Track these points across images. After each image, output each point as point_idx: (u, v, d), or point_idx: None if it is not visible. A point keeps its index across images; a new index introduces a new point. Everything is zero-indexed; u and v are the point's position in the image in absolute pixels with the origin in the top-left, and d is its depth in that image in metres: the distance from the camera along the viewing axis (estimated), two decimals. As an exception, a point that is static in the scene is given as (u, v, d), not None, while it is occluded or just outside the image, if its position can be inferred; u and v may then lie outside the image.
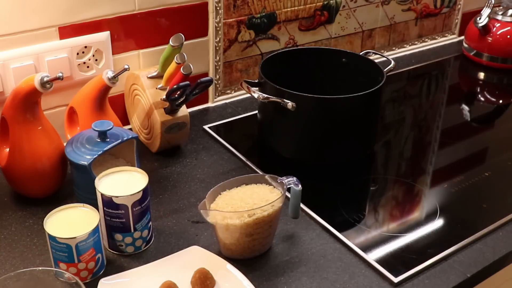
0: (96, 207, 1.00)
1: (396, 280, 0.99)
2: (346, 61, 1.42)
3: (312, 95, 1.21)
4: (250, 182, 1.07)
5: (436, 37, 1.98)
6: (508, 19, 1.80)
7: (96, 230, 0.95)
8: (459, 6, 1.96)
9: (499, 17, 1.81)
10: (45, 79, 1.04)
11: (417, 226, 1.14)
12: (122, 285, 0.95)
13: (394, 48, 1.88)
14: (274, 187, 1.06)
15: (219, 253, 1.03)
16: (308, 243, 1.07)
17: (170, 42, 1.25)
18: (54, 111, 1.29)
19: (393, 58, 1.50)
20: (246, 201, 1.01)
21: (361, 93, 1.23)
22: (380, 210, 1.20)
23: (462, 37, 1.97)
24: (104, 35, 1.29)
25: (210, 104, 1.54)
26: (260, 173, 1.25)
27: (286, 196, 1.11)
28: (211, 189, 1.03)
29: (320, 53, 1.45)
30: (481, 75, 1.84)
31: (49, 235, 0.93)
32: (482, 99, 1.77)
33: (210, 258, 1.00)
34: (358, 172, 1.32)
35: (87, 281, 0.97)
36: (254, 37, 1.53)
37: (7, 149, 1.13)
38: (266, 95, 1.24)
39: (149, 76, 1.30)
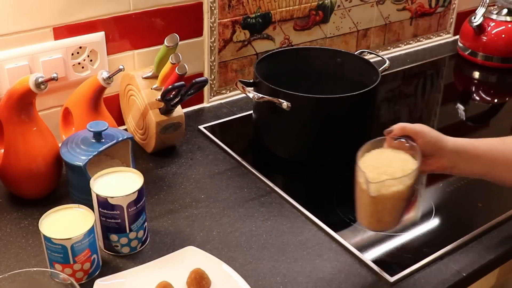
0: (92, 207, 0.99)
1: (391, 279, 0.99)
2: (341, 60, 1.42)
3: (307, 95, 1.21)
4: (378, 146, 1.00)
5: (431, 36, 1.98)
6: (502, 18, 1.80)
7: (91, 230, 0.95)
8: (453, 5, 1.97)
9: (494, 17, 1.81)
10: (40, 79, 1.04)
11: (413, 225, 1.14)
12: (117, 285, 0.95)
13: (389, 47, 1.88)
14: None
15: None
16: (303, 243, 1.07)
17: (165, 42, 1.24)
18: (49, 112, 1.28)
19: (388, 58, 1.50)
20: (390, 165, 0.95)
21: (356, 92, 1.23)
22: (375, 209, 1.20)
23: (457, 37, 1.97)
24: (99, 36, 1.29)
25: (205, 104, 1.54)
26: (257, 173, 1.25)
27: None
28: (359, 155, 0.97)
29: (315, 53, 1.45)
30: (476, 74, 1.84)
31: (44, 236, 0.93)
32: (477, 98, 1.77)
33: (205, 258, 1.00)
34: (354, 172, 1.32)
35: (83, 282, 0.97)
36: (249, 37, 1.53)
37: (2, 150, 1.12)
38: (261, 95, 1.24)
39: (144, 76, 1.30)
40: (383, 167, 0.95)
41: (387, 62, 1.38)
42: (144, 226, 1.04)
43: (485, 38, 1.81)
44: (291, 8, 1.58)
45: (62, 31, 1.24)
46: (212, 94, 1.54)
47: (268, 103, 1.24)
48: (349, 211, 1.17)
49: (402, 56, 1.89)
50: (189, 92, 1.21)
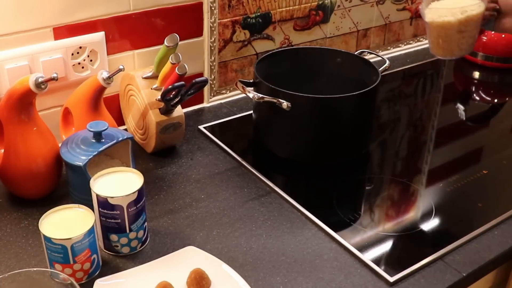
0: (92, 207, 0.99)
1: (391, 279, 0.99)
2: (341, 60, 1.42)
3: (307, 95, 1.21)
4: None
5: (431, 36, 1.98)
6: (502, 18, 1.81)
7: (91, 230, 0.95)
8: (453, 5, 1.97)
9: (494, 16, 1.81)
10: (40, 79, 1.04)
11: (413, 225, 1.14)
12: (117, 285, 0.95)
13: (389, 47, 1.88)
14: None
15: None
16: (303, 243, 1.07)
17: (165, 42, 1.24)
18: (49, 112, 1.29)
19: (388, 58, 1.50)
20: (457, 4, 1.12)
21: (356, 92, 1.23)
22: (375, 209, 1.20)
23: (457, 37, 1.97)
24: (99, 36, 1.29)
25: (205, 104, 1.54)
26: (257, 173, 1.25)
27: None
28: None
29: (315, 53, 1.45)
30: (476, 74, 1.84)
31: (44, 236, 0.93)
32: (477, 98, 1.77)
33: (205, 258, 1.00)
34: (354, 172, 1.32)
35: (83, 282, 0.97)
36: (249, 37, 1.53)
37: (2, 150, 1.12)
38: (261, 95, 1.24)
39: (144, 76, 1.30)
40: (450, 5, 1.13)
41: (387, 62, 1.38)
42: (144, 226, 1.04)
43: (485, 38, 1.81)
44: (291, 8, 1.58)
45: (62, 31, 1.24)
46: (212, 94, 1.54)
47: (268, 103, 1.24)
48: (349, 211, 1.17)
49: (402, 56, 1.89)
50: (189, 92, 1.21)
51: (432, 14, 1.13)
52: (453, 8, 1.11)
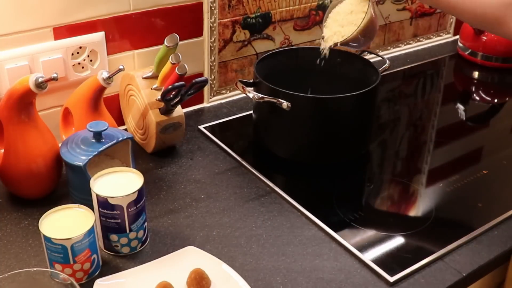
0: (92, 207, 0.99)
1: (391, 279, 0.99)
2: (341, 60, 1.42)
3: (307, 95, 1.22)
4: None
5: (431, 36, 1.98)
6: (502, 18, 1.80)
7: (91, 230, 0.95)
8: (453, 5, 1.96)
9: (494, 16, 1.81)
10: (40, 79, 1.04)
11: (413, 225, 1.14)
12: (117, 285, 0.95)
13: (389, 47, 1.88)
14: None
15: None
16: (303, 243, 1.07)
17: (165, 43, 1.24)
18: (49, 112, 1.29)
19: (388, 58, 1.50)
20: (349, 20, 1.24)
21: (356, 92, 1.23)
22: (375, 209, 1.20)
23: (457, 37, 1.97)
24: (99, 36, 1.29)
25: (205, 104, 1.54)
26: (257, 173, 1.25)
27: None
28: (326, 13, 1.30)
29: (315, 53, 1.44)
30: (476, 74, 1.84)
31: (44, 236, 0.93)
32: (477, 98, 1.77)
33: (205, 258, 1.00)
34: (354, 172, 1.32)
35: (83, 282, 0.97)
36: (249, 37, 1.53)
37: (2, 150, 1.12)
38: (261, 95, 1.24)
39: (144, 76, 1.30)
40: (344, 15, 1.26)
41: (387, 62, 1.38)
42: (144, 226, 1.04)
43: (485, 38, 1.81)
44: (291, 8, 1.58)
45: (62, 31, 1.24)
46: (212, 94, 1.54)
47: (268, 103, 1.24)
48: (349, 211, 1.17)
49: (402, 56, 1.89)
50: (189, 92, 1.22)
51: (336, 42, 1.26)
52: (351, 35, 1.22)
